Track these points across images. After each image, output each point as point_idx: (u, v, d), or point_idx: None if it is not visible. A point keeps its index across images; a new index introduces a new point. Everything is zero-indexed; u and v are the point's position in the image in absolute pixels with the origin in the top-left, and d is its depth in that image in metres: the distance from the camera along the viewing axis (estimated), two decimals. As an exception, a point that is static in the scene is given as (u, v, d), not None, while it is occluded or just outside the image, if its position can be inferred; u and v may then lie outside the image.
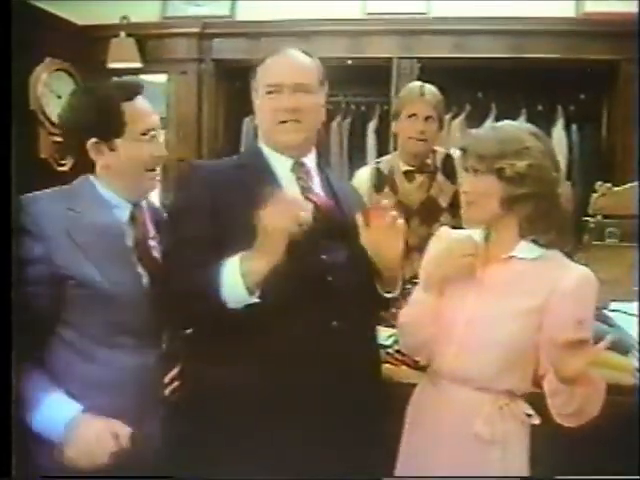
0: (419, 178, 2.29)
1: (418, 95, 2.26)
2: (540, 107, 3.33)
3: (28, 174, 3.14)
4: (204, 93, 3.38)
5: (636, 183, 2.43)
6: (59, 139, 3.07)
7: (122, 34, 3.23)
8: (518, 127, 1.44)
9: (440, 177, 2.29)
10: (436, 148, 2.32)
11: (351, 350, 1.39)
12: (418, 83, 2.33)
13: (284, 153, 1.51)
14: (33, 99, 2.99)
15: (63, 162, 3.14)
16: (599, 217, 2.48)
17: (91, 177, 1.47)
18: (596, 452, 1.34)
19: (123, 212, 1.46)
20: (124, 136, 1.42)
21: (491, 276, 1.41)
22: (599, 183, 2.55)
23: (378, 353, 1.61)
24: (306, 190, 1.48)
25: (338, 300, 1.37)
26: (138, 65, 3.27)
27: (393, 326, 1.85)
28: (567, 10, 3.15)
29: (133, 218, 1.47)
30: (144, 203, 1.53)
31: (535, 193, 1.35)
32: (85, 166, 1.47)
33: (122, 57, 3.24)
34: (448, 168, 2.27)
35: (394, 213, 1.42)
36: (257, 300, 1.33)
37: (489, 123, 3.06)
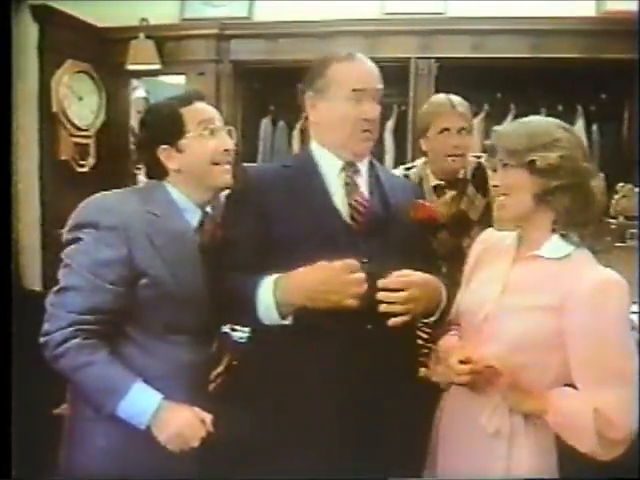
0: (449, 192, 2.19)
1: (449, 108, 2.14)
2: (560, 107, 3.29)
3: (49, 175, 3.21)
4: (222, 94, 3.38)
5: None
6: (81, 141, 3.15)
7: (141, 36, 3.24)
8: (545, 120, 1.44)
9: (471, 190, 2.19)
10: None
11: (386, 353, 1.40)
12: (443, 96, 2.23)
13: (347, 158, 1.50)
14: (55, 101, 3.02)
15: (83, 163, 3.18)
16: (621, 218, 2.46)
17: (164, 182, 1.54)
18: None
19: (193, 217, 1.53)
20: (187, 135, 1.50)
21: (516, 274, 1.42)
22: (620, 184, 2.53)
23: (414, 355, 1.60)
24: (351, 191, 1.49)
25: (373, 303, 1.36)
26: (157, 66, 3.29)
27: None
28: (587, 9, 3.11)
29: (202, 224, 1.54)
30: (212, 209, 1.59)
31: (570, 184, 1.35)
32: (155, 172, 1.55)
33: (141, 59, 3.26)
34: (479, 179, 2.17)
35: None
36: (289, 323, 1.35)
37: (509, 122, 3.03)
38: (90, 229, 1.42)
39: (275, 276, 1.36)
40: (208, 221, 1.56)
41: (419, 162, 2.34)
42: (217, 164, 1.52)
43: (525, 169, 1.36)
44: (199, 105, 1.54)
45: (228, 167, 1.54)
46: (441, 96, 2.25)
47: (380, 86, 1.51)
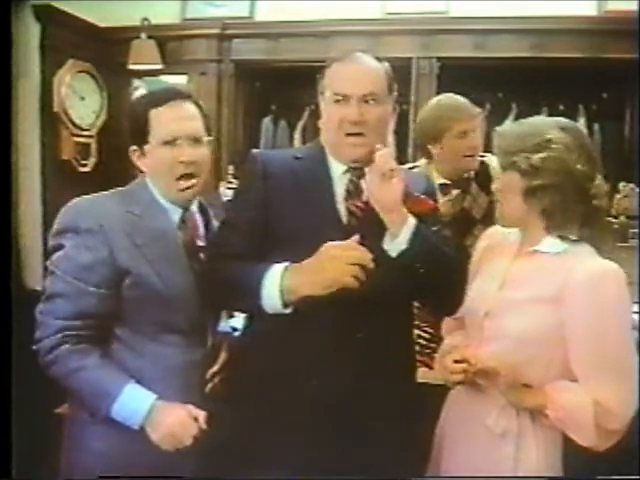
0: (454, 191, 2.19)
1: (468, 111, 2.16)
2: (561, 106, 3.28)
3: (51, 175, 3.21)
4: (223, 94, 3.39)
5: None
6: (82, 140, 3.15)
7: (143, 36, 3.25)
8: (544, 121, 1.44)
9: (474, 188, 2.20)
10: None
11: (377, 360, 1.39)
12: (454, 98, 2.20)
13: (345, 163, 1.48)
14: (57, 101, 3.02)
15: (85, 163, 3.18)
16: (623, 218, 2.46)
17: (147, 181, 1.51)
18: (596, 452, 1.32)
19: (174, 215, 1.51)
20: (150, 142, 1.46)
21: (516, 269, 1.42)
22: (622, 184, 2.52)
23: (408, 359, 1.57)
24: (352, 195, 1.47)
25: (364, 310, 1.34)
26: (159, 66, 3.29)
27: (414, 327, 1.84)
28: (588, 8, 3.11)
29: (183, 222, 1.52)
30: (194, 207, 1.57)
31: (551, 185, 1.34)
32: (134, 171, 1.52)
33: (143, 58, 3.26)
34: (482, 177, 2.17)
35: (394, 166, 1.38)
36: (288, 312, 1.35)
37: (509, 122, 3.04)
38: (71, 234, 1.41)
39: (284, 265, 1.35)
40: (189, 219, 1.54)
41: (422, 162, 2.32)
42: (184, 177, 1.46)
43: (515, 170, 1.36)
44: (169, 109, 1.46)
45: (194, 181, 1.47)
46: (453, 99, 2.21)
47: (370, 89, 1.43)
